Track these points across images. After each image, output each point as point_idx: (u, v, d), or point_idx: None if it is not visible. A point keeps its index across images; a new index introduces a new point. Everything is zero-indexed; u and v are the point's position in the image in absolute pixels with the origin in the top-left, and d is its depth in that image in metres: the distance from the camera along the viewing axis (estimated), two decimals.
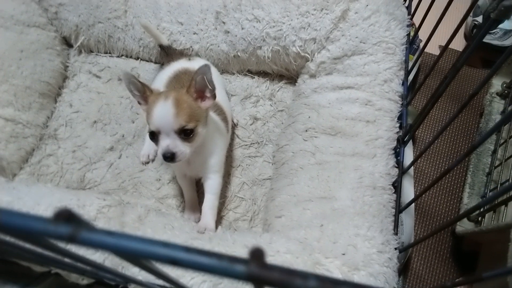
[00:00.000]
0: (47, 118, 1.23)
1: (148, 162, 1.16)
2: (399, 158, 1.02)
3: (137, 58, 1.32)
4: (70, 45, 1.35)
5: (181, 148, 0.81)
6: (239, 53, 1.20)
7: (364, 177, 0.92)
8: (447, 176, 1.20)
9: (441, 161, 1.25)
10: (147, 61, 1.32)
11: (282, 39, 1.12)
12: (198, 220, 1.05)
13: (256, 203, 1.08)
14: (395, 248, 0.78)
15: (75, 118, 1.24)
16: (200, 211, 1.07)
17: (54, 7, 1.24)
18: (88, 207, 0.85)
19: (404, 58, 1.05)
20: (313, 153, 1.01)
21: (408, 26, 1.07)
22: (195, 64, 1.11)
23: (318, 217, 0.84)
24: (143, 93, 0.83)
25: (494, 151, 1.05)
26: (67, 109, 1.26)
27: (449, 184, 1.19)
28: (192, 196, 1.06)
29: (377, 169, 0.94)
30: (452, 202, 1.14)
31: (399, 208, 0.86)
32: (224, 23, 1.16)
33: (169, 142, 0.81)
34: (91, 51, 1.34)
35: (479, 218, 0.96)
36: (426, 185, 1.21)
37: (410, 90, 1.15)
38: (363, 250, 0.73)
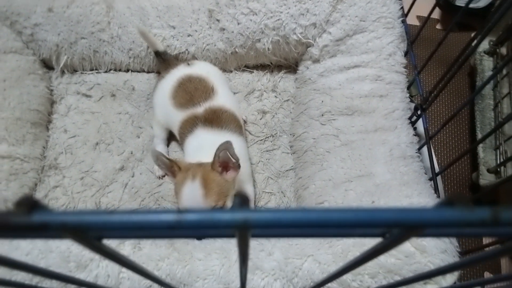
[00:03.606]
0: (43, 148, 1.14)
1: (164, 175, 1.11)
2: (415, 126, 1.06)
3: (127, 70, 1.26)
4: (50, 67, 1.25)
5: None
6: (237, 49, 1.17)
7: (393, 149, 0.94)
8: (459, 132, 1.27)
9: (441, 121, 1.32)
10: (138, 71, 1.26)
11: (282, 29, 1.11)
12: None
13: (285, 195, 1.07)
14: None
15: (73, 143, 1.16)
16: None
17: (29, 29, 1.14)
18: None
19: (403, 30, 1.08)
20: (336, 135, 1.02)
21: None
22: (196, 68, 1.07)
23: (365, 195, 0.85)
24: (171, 167, 0.83)
25: (496, 106, 1.12)
26: (62, 135, 1.17)
27: (460, 141, 1.26)
28: None
29: (402, 140, 0.97)
30: (465, 157, 1.21)
31: (435, 172, 0.90)
32: (218, 20, 1.13)
33: None
34: (75, 70, 1.26)
35: (498, 169, 1.02)
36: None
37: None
38: None
